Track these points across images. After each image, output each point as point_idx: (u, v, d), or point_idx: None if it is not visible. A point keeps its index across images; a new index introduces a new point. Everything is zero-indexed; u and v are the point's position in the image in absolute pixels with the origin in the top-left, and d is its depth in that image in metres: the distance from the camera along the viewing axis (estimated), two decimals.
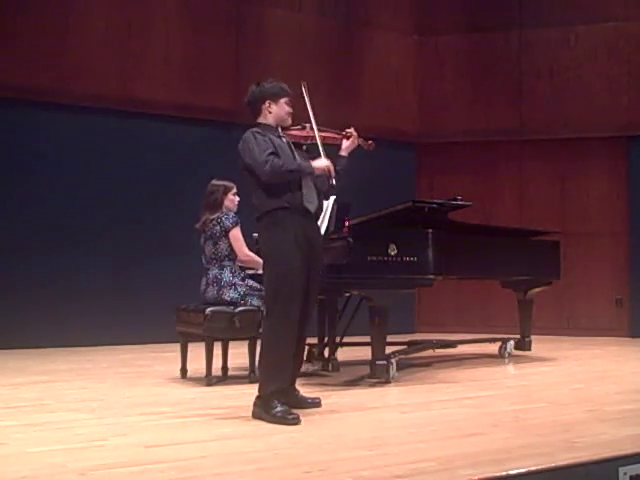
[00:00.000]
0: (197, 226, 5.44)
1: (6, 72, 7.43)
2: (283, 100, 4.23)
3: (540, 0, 9.46)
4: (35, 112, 7.56)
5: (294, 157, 4.17)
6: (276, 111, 4.22)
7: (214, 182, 5.47)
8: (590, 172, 9.25)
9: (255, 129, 4.19)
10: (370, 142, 4.69)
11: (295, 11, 9.01)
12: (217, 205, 5.39)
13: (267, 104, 4.23)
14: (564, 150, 9.30)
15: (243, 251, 5.25)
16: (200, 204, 5.48)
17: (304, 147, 4.41)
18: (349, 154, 4.53)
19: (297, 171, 4.09)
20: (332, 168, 4.20)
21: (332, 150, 4.49)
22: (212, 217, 5.34)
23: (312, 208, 4.21)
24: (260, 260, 4.39)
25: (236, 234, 5.27)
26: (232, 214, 5.35)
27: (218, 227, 5.31)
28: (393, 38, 9.60)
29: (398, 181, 9.01)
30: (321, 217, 5.31)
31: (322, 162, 4.21)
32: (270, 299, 4.08)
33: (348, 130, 4.57)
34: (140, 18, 8.14)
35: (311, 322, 4.35)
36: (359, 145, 4.62)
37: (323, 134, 4.47)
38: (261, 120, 4.25)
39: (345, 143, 4.52)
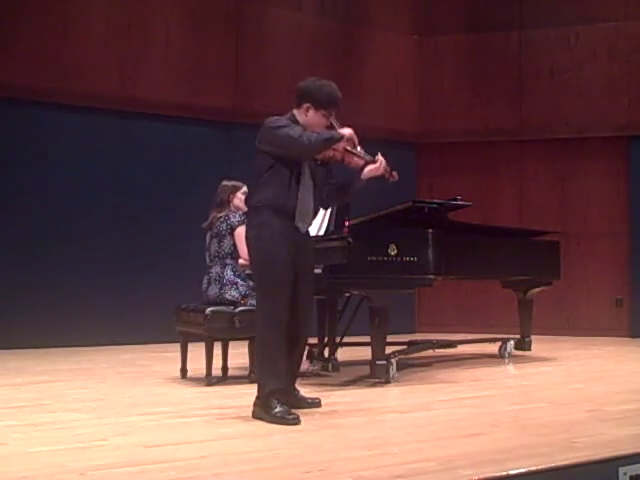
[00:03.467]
0: (204, 225, 5.46)
1: (6, 72, 7.42)
2: (323, 112, 4.10)
3: (540, 0, 9.46)
4: (35, 112, 7.56)
5: (300, 169, 4.10)
6: (311, 117, 4.11)
7: (224, 183, 5.50)
8: (590, 172, 9.25)
9: (280, 117, 4.10)
10: (394, 173, 4.39)
11: (295, 11, 9.01)
12: (224, 204, 5.41)
13: (307, 106, 4.11)
14: (564, 150, 9.30)
15: (245, 251, 5.22)
16: (204, 203, 5.50)
17: (318, 162, 4.31)
18: (367, 179, 4.32)
19: (330, 138, 4.02)
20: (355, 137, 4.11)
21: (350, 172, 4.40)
22: (219, 215, 5.37)
23: (302, 227, 4.14)
24: None
25: (241, 233, 5.25)
26: (240, 213, 5.35)
27: (224, 225, 5.33)
28: (393, 38, 9.60)
29: (398, 181, 8.98)
30: (321, 217, 5.34)
31: (347, 130, 4.09)
32: (258, 298, 4.10)
33: (377, 157, 4.30)
34: (140, 18, 8.14)
35: (309, 324, 4.33)
36: (382, 174, 4.35)
37: (347, 154, 4.24)
38: (296, 113, 4.14)
39: (369, 167, 4.28)
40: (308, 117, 4.12)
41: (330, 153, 4.18)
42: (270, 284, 3.98)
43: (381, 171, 4.30)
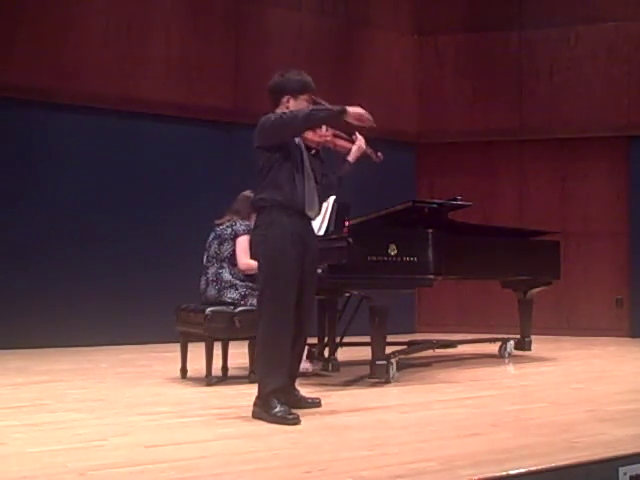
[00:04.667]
0: (217, 221, 5.47)
1: (6, 72, 7.43)
2: (303, 97, 4.13)
3: (540, 0, 9.46)
4: (35, 112, 7.56)
5: (302, 160, 4.15)
6: (294, 106, 4.11)
7: (246, 194, 5.34)
8: (590, 172, 9.26)
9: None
10: (379, 154, 4.50)
11: (295, 11, 9.01)
12: (243, 216, 5.41)
13: (286, 99, 4.12)
14: (564, 150, 9.31)
15: (242, 259, 5.21)
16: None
17: (312, 151, 4.34)
18: (355, 161, 4.42)
19: (330, 111, 4.00)
20: (369, 117, 4.06)
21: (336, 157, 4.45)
22: (229, 219, 5.40)
23: (312, 215, 4.21)
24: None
25: (243, 241, 5.24)
26: (247, 222, 5.34)
27: (230, 230, 5.35)
28: (393, 38, 9.60)
29: (398, 181, 9.01)
30: (321, 217, 5.34)
31: (357, 108, 4.04)
32: (263, 296, 4.06)
33: (355, 136, 4.44)
34: (140, 18, 8.14)
35: (310, 323, 4.34)
36: (367, 154, 4.48)
37: (337, 139, 4.37)
38: (278, 112, 4.15)
39: (352, 149, 4.40)
40: (291, 108, 4.12)
41: (321, 140, 4.22)
42: (279, 282, 3.97)
43: (364, 148, 4.39)
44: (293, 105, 4.12)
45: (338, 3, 9.30)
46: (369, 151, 4.47)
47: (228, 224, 5.38)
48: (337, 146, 4.32)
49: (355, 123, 4.09)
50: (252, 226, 5.27)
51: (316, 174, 4.26)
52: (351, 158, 4.41)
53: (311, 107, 4.05)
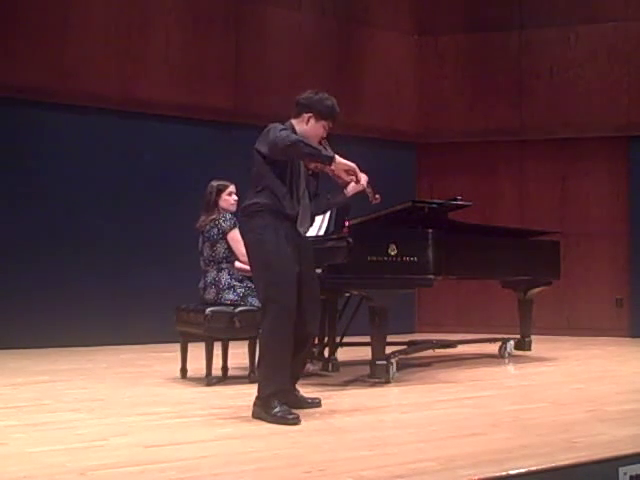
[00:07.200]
0: (197, 226, 5.44)
1: (6, 72, 7.43)
2: (323, 122, 4.17)
3: (540, 0, 9.46)
4: (35, 112, 7.56)
5: (299, 175, 4.16)
6: (311, 127, 4.16)
7: (211, 183, 5.46)
8: (590, 172, 9.26)
9: (282, 125, 4.13)
10: (377, 196, 4.41)
11: (295, 11, 9.00)
12: (211, 206, 5.37)
13: (308, 115, 4.16)
14: (564, 150, 9.31)
15: (242, 252, 5.15)
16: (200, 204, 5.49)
17: (310, 171, 4.34)
18: (350, 196, 4.46)
19: (317, 151, 4.00)
20: (358, 171, 4.08)
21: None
22: (210, 218, 5.33)
23: (302, 231, 4.24)
24: None
25: (234, 236, 5.23)
26: (229, 216, 5.31)
27: (215, 229, 5.29)
28: (393, 38, 9.60)
29: (398, 181, 9.00)
30: (321, 217, 5.34)
31: (349, 162, 4.07)
32: (264, 300, 4.07)
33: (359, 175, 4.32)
34: (140, 18, 8.14)
35: (315, 324, 4.34)
36: (365, 193, 4.40)
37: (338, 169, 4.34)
38: (294, 123, 4.18)
39: (352, 184, 4.34)
40: (308, 126, 4.16)
41: (321, 166, 4.22)
42: (279, 284, 3.97)
43: (364, 186, 4.34)
44: (311, 125, 4.16)
45: (338, 3, 9.30)
46: (368, 190, 4.39)
47: (211, 224, 5.31)
48: (336, 175, 4.28)
49: (342, 176, 4.10)
50: (229, 216, 5.27)
51: (310, 192, 4.28)
52: (348, 192, 4.45)
53: (302, 138, 4.01)
